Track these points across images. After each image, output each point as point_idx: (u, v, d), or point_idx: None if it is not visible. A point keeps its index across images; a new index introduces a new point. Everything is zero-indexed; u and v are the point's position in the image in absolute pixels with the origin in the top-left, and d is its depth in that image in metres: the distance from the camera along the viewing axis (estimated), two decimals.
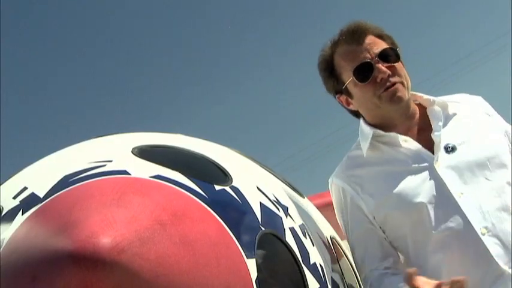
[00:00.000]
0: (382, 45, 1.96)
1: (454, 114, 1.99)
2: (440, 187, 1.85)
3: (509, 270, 1.75)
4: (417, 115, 2.00)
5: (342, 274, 2.02)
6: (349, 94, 2.00)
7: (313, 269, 1.74)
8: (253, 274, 1.48)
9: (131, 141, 1.92)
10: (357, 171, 2.01)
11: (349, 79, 1.95)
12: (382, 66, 1.91)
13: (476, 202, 1.82)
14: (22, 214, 1.53)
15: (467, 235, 1.80)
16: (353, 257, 2.04)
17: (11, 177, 1.94)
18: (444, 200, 1.84)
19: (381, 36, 1.99)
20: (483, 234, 1.79)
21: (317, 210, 2.43)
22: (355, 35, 1.95)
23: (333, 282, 1.85)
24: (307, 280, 1.67)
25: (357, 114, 2.08)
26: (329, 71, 2.02)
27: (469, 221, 1.80)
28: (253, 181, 1.87)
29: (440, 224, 1.83)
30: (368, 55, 1.92)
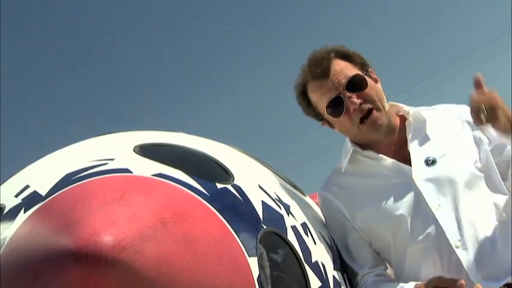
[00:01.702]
0: (349, 71, 1.97)
1: (435, 126, 2.00)
2: (419, 200, 1.88)
3: (478, 285, 1.74)
4: (397, 128, 2.03)
5: (344, 272, 2.02)
6: (330, 124, 2.07)
7: (315, 267, 1.74)
8: (255, 272, 1.48)
9: (133, 139, 1.93)
10: (341, 183, 2.06)
11: (325, 113, 2.01)
12: (351, 97, 1.93)
13: (453, 215, 1.84)
14: (24, 212, 1.53)
15: (442, 247, 1.82)
16: (344, 259, 2.05)
17: (13, 175, 1.94)
18: (422, 212, 1.87)
19: (346, 57, 2.01)
20: (457, 247, 1.81)
21: (318, 208, 2.43)
22: (320, 69, 1.97)
23: (335, 280, 1.85)
24: (309, 278, 1.67)
25: None
26: (306, 102, 2.07)
27: (444, 234, 1.82)
28: (255, 179, 1.87)
29: (418, 235, 1.86)
30: (335, 89, 1.95)
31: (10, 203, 1.64)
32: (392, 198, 1.91)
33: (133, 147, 1.80)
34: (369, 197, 1.97)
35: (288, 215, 1.80)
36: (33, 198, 1.58)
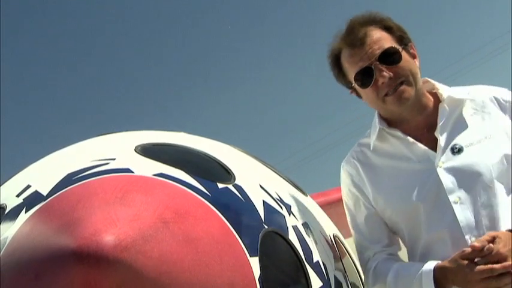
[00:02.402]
0: (385, 43, 1.91)
1: (469, 113, 1.94)
2: (438, 189, 1.84)
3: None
4: (430, 107, 1.97)
5: (345, 272, 2.02)
6: (357, 93, 2.01)
7: (316, 267, 1.74)
8: (256, 272, 1.48)
9: (134, 139, 1.93)
10: (365, 159, 2.02)
11: (354, 82, 1.95)
12: (382, 71, 1.88)
13: (472, 210, 1.80)
14: (25, 212, 1.53)
15: (457, 242, 1.79)
16: (355, 238, 2.04)
17: (14, 175, 1.94)
18: (440, 203, 1.83)
19: (387, 28, 1.95)
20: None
21: (320, 208, 2.43)
22: (357, 36, 1.91)
23: (336, 280, 1.85)
24: (310, 278, 1.67)
25: None
26: (338, 68, 2.01)
27: (460, 229, 1.79)
28: (256, 179, 1.87)
29: (434, 226, 1.83)
30: (367, 59, 1.90)
31: (11, 202, 1.64)
32: (412, 184, 1.88)
33: (134, 147, 1.80)
34: (389, 179, 1.93)
35: (289, 214, 1.80)
36: (35, 198, 1.58)
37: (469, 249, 1.69)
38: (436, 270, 1.74)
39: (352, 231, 2.03)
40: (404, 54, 1.92)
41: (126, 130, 2.18)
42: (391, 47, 1.91)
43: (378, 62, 1.89)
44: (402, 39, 1.95)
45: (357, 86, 1.95)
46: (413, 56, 1.96)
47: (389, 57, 1.90)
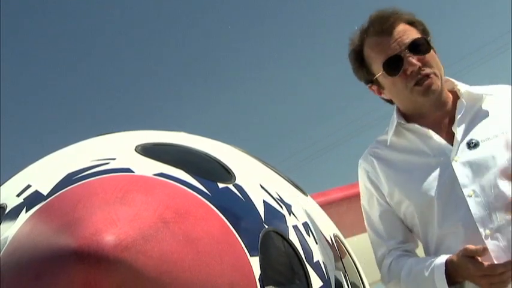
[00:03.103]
0: (412, 34, 1.91)
1: (487, 108, 1.93)
2: (453, 183, 1.84)
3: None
4: (449, 104, 1.96)
5: (345, 272, 2.02)
6: (380, 85, 1.99)
7: (317, 267, 1.74)
8: (257, 272, 1.48)
9: (134, 139, 1.93)
10: (382, 155, 2.01)
11: (379, 71, 1.93)
12: (412, 59, 1.87)
13: (486, 203, 1.79)
14: (26, 212, 1.53)
15: (471, 236, 1.78)
16: (370, 236, 2.04)
17: (14, 174, 1.94)
18: (454, 197, 1.83)
19: (412, 23, 1.94)
20: (487, 237, 1.77)
21: (320, 208, 2.43)
22: (384, 25, 1.91)
23: (336, 280, 1.85)
24: (311, 278, 1.67)
25: (390, 101, 2.06)
26: (359, 61, 1.99)
27: (474, 222, 1.78)
28: (256, 179, 1.87)
29: (447, 220, 1.83)
30: (397, 47, 1.88)
31: (12, 202, 1.64)
32: (427, 178, 1.87)
33: (134, 147, 1.80)
34: (405, 173, 1.93)
35: (290, 214, 1.80)
36: (35, 198, 1.58)
37: (470, 246, 1.69)
38: (448, 263, 1.74)
39: (367, 228, 2.03)
40: (431, 46, 1.92)
41: (126, 130, 2.17)
42: (420, 37, 1.91)
43: (407, 51, 1.88)
44: (426, 34, 1.95)
45: (383, 76, 1.93)
46: (435, 51, 1.95)
47: (419, 47, 1.90)
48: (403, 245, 1.95)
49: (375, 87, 2.01)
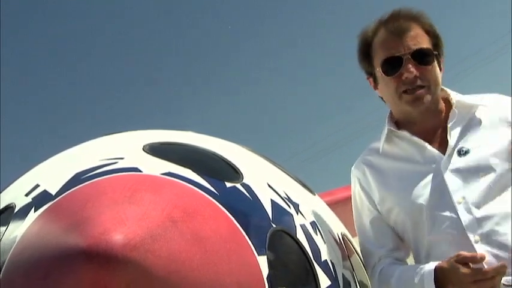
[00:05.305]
0: (422, 43, 1.91)
1: (480, 117, 1.94)
2: (443, 190, 1.84)
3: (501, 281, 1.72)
4: (442, 113, 1.97)
5: (353, 271, 2.02)
6: (376, 80, 2.00)
7: (324, 265, 1.74)
8: (265, 271, 1.48)
9: (142, 138, 1.93)
10: (374, 163, 2.02)
11: (378, 67, 1.94)
12: (411, 66, 1.87)
13: (475, 209, 1.80)
14: (34, 211, 1.54)
15: (461, 242, 1.78)
16: (360, 244, 2.04)
17: (23, 174, 1.95)
18: (443, 204, 1.83)
19: (427, 32, 1.94)
20: (476, 242, 1.78)
21: (328, 207, 2.43)
22: (400, 26, 1.91)
23: (344, 278, 1.85)
24: (319, 277, 1.67)
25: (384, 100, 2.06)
26: (365, 52, 1.99)
27: (464, 229, 1.79)
28: (264, 178, 1.87)
29: (437, 226, 1.84)
30: (402, 50, 1.89)
31: (20, 201, 1.65)
32: (417, 186, 1.88)
33: (142, 146, 1.80)
34: (395, 180, 1.94)
35: (297, 213, 1.80)
36: (44, 197, 1.58)
37: (464, 253, 1.69)
38: (437, 270, 1.74)
39: (358, 236, 2.03)
40: (435, 60, 1.92)
41: (134, 129, 2.18)
42: (428, 48, 1.91)
43: (410, 57, 1.88)
44: (437, 47, 1.95)
45: (379, 73, 1.94)
46: (440, 69, 1.96)
47: (422, 57, 1.90)
48: (393, 252, 1.95)
49: (371, 80, 2.03)
